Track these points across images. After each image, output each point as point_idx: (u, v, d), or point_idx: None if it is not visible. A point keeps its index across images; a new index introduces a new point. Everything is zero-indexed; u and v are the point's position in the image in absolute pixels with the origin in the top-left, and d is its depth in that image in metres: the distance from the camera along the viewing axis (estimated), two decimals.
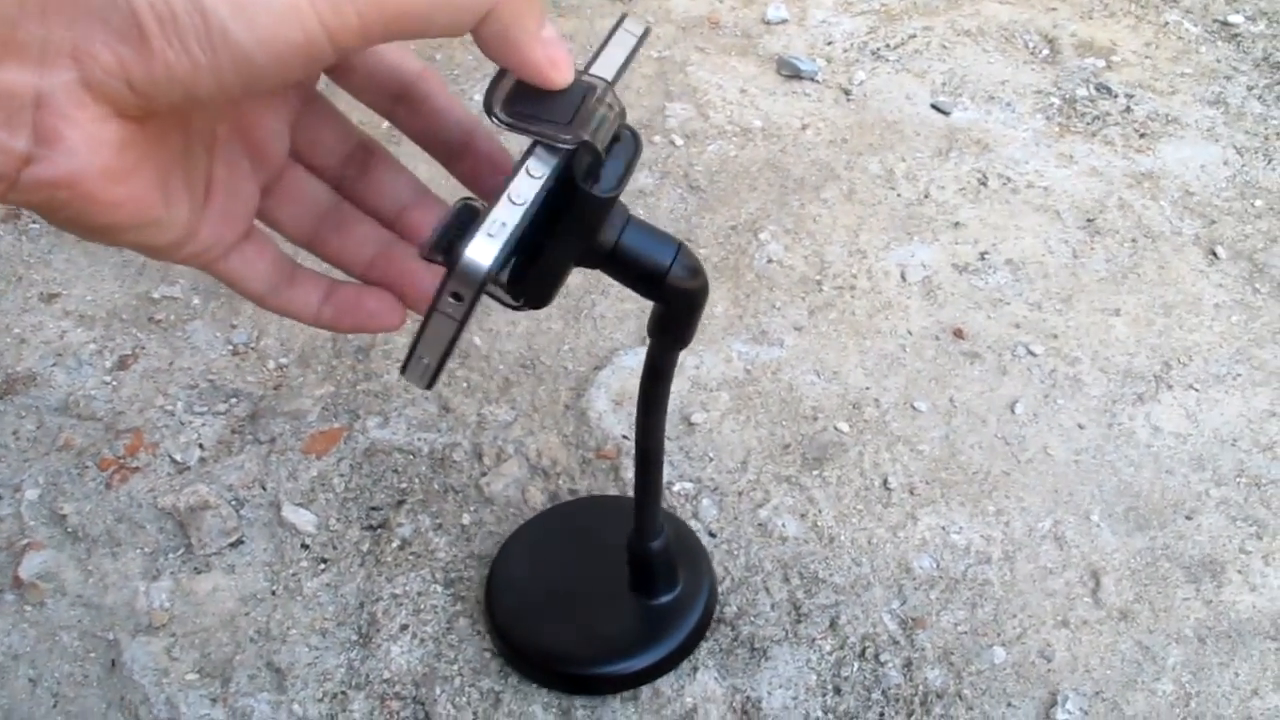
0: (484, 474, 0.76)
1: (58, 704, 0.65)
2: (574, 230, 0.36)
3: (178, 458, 0.77)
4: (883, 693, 0.65)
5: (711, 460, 0.77)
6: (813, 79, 1.12)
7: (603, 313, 0.87)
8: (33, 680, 0.66)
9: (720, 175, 1.00)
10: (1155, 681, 0.65)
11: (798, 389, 0.81)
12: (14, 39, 0.24)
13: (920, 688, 0.65)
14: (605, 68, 0.34)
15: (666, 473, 0.75)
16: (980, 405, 0.80)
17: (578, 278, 0.87)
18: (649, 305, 0.46)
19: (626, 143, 0.35)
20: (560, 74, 0.31)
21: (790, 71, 1.12)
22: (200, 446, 0.77)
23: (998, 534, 0.72)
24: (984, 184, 1.00)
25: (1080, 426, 0.79)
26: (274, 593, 0.70)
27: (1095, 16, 1.22)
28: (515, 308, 0.38)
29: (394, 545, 0.72)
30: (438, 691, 0.64)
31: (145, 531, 0.73)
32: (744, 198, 0.98)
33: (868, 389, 0.82)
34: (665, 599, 0.65)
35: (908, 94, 1.10)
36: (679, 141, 1.04)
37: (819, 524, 0.73)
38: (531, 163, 0.31)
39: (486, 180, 0.37)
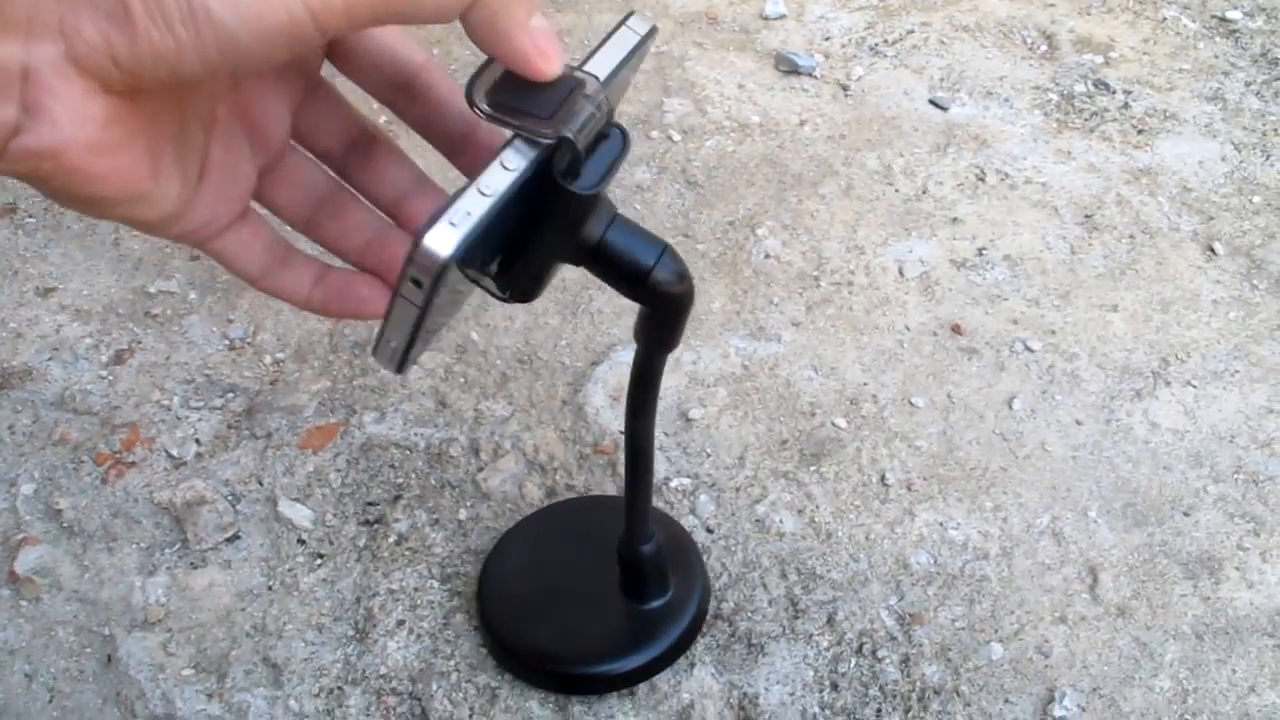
0: (481, 469, 0.75)
1: (53, 699, 0.65)
2: (555, 226, 0.35)
3: (174, 453, 0.76)
4: (880, 688, 0.65)
5: (709, 456, 0.76)
6: (811, 74, 1.12)
7: (600, 308, 0.87)
8: (28, 675, 0.66)
9: (718, 171, 1.00)
10: (1153, 678, 0.65)
11: (795, 385, 0.81)
12: (1, 12, 0.25)
13: (918, 684, 0.65)
14: (600, 64, 0.34)
15: (663, 468, 0.75)
16: (978, 401, 0.80)
17: (575, 273, 0.87)
18: None
19: (614, 141, 0.35)
20: (548, 65, 0.30)
21: (788, 67, 1.12)
22: (196, 441, 0.77)
23: (995, 530, 0.72)
24: (982, 180, 1.00)
25: (1078, 422, 0.79)
26: (270, 588, 0.69)
27: (1093, 12, 1.22)
28: (503, 299, 0.37)
29: (390, 540, 0.71)
30: (434, 687, 0.64)
31: (141, 526, 0.72)
32: (741, 193, 0.98)
33: (865, 385, 0.81)
34: (656, 603, 0.65)
35: (906, 90, 1.10)
36: (676, 137, 1.04)
37: (816, 520, 0.73)
38: (507, 154, 0.31)
39: None
